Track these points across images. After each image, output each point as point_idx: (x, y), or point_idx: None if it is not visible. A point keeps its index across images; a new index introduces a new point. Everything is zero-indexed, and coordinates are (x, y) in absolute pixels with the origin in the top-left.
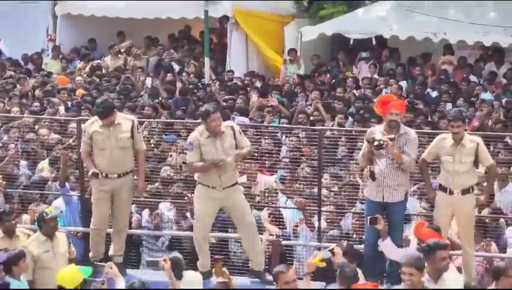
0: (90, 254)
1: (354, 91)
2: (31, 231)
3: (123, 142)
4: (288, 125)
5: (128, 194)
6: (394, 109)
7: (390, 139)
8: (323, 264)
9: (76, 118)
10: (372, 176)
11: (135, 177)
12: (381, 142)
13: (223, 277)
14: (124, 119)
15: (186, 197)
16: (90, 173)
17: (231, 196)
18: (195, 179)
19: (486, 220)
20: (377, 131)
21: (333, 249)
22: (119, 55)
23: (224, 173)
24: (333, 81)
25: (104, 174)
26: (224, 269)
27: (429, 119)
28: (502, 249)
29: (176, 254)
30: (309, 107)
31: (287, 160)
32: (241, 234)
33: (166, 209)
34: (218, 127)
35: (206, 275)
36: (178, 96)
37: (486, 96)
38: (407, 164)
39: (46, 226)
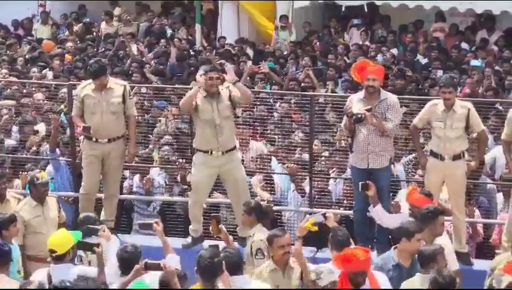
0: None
1: (345, 58)
2: (21, 196)
3: (114, 106)
4: (280, 91)
5: (118, 159)
6: (371, 75)
7: (368, 110)
8: (315, 228)
9: (66, 83)
10: (351, 148)
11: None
12: (359, 115)
13: (221, 235)
14: (116, 84)
15: (177, 163)
16: (81, 127)
17: (228, 163)
18: (193, 146)
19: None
20: (356, 99)
21: (325, 213)
22: (113, 23)
23: (221, 134)
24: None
25: (94, 139)
26: (222, 226)
27: (419, 86)
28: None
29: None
30: (300, 73)
31: (278, 126)
32: (233, 201)
33: (156, 174)
34: (214, 86)
35: (198, 240)
36: (174, 62)
37: (476, 63)
38: (390, 131)
39: (37, 191)
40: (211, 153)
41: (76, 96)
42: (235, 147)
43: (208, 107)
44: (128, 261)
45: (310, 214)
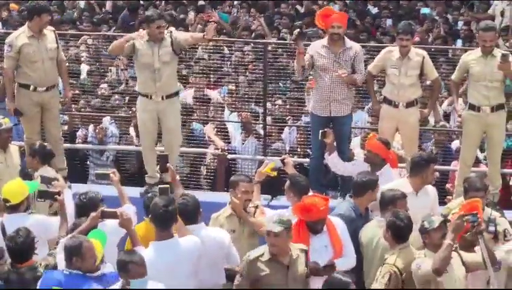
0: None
1: (298, 7)
2: None
3: (52, 52)
4: (233, 39)
5: (57, 106)
6: (336, 22)
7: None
8: (274, 174)
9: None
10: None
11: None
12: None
13: (169, 173)
14: (47, 30)
15: (130, 111)
16: (11, 108)
17: (167, 108)
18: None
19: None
20: (319, 45)
21: (284, 158)
22: None
23: (159, 79)
24: None
25: (32, 88)
26: (169, 165)
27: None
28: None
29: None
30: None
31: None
32: (165, 148)
33: (108, 123)
34: (161, 34)
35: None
36: (126, 12)
37: (427, 11)
38: (359, 80)
39: (0, 137)
40: (150, 97)
41: (9, 48)
42: (176, 94)
43: (148, 51)
44: (85, 207)
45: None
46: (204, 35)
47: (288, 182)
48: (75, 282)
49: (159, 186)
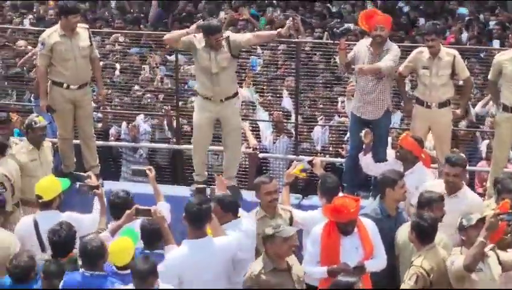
0: (62, 166)
1: (329, 5)
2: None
3: (85, 50)
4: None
5: (91, 104)
6: (379, 24)
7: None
8: (303, 175)
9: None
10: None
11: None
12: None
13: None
14: (81, 28)
15: (163, 110)
16: (44, 105)
17: (225, 109)
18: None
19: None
20: (363, 44)
21: (312, 160)
22: None
23: (217, 84)
24: None
25: (65, 85)
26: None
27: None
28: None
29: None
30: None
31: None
32: (224, 147)
33: (142, 121)
34: (219, 43)
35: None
36: (159, 10)
37: (463, 10)
38: (385, 69)
39: (34, 134)
40: (210, 99)
41: (42, 46)
42: (235, 95)
43: (205, 55)
44: (119, 206)
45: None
46: (280, 31)
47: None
48: (95, 282)
49: (196, 186)
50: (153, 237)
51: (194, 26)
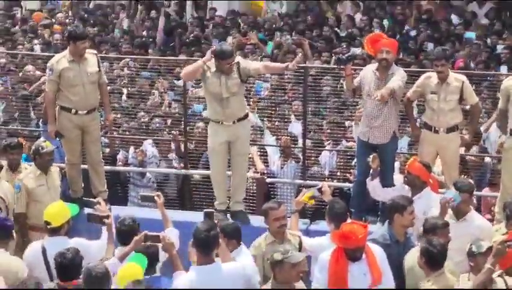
0: (70, 191)
1: (337, 29)
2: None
3: (93, 76)
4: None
5: (98, 129)
6: (385, 47)
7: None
8: (312, 202)
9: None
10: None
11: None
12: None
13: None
14: (89, 54)
15: (171, 135)
16: (52, 131)
17: (237, 132)
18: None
19: (472, 158)
20: (370, 69)
21: (321, 187)
22: None
23: (227, 107)
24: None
25: (73, 111)
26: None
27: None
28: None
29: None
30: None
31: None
32: (232, 172)
33: (150, 145)
34: (231, 68)
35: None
36: (163, 35)
37: (471, 35)
38: (397, 89)
39: (42, 159)
40: (222, 123)
41: (50, 71)
42: (246, 116)
43: (215, 80)
44: (126, 233)
45: (305, 187)
46: (287, 65)
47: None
48: None
49: (205, 210)
50: (149, 262)
51: (208, 54)
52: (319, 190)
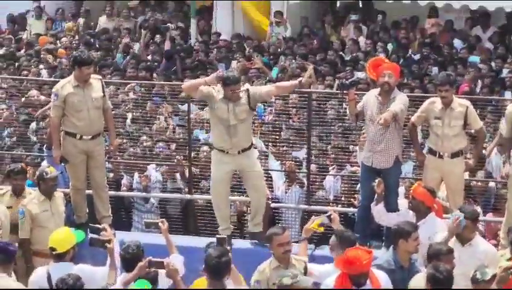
0: (74, 216)
1: (341, 53)
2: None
3: (98, 101)
4: None
5: (103, 154)
6: (386, 70)
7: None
8: (321, 229)
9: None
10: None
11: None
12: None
13: None
14: (94, 79)
15: (176, 160)
16: (57, 156)
17: (245, 161)
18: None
19: (478, 183)
20: (372, 94)
21: (331, 215)
22: (113, 17)
23: (234, 135)
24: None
25: (78, 136)
26: None
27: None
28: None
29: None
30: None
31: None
32: (250, 196)
33: (154, 170)
34: (236, 95)
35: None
36: (165, 62)
37: (474, 59)
38: (399, 112)
39: (46, 185)
40: (227, 152)
41: (55, 97)
42: (251, 146)
43: (223, 106)
44: (130, 260)
45: (309, 212)
46: (300, 80)
47: (334, 238)
48: None
49: (217, 236)
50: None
51: (212, 76)
52: (329, 217)
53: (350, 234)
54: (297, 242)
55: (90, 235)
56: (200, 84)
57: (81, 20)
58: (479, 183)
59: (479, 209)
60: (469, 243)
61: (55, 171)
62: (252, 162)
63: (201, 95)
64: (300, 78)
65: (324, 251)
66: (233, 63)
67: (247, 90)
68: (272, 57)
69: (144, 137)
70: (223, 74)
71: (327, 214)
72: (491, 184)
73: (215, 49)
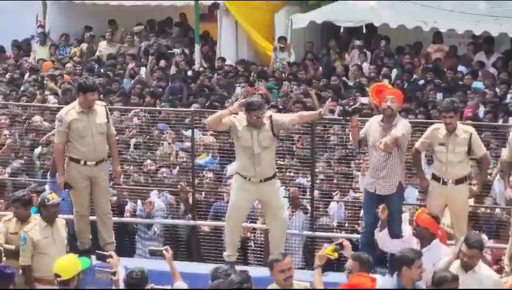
0: (78, 243)
1: (344, 78)
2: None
3: (102, 127)
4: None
5: (107, 180)
6: (389, 96)
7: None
8: (336, 255)
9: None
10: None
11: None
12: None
13: None
14: (98, 105)
15: (179, 186)
16: (61, 182)
17: (267, 190)
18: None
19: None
20: (374, 121)
21: (342, 242)
22: (114, 43)
23: (258, 164)
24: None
25: (82, 162)
26: None
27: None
28: None
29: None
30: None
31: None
32: (269, 227)
33: (156, 197)
34: (260, 120)
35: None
36: (170, 84)
37: (479, 84)
38: (401, 136)
39: (47, 212)
40: (249, 179)
41: (59, 123)
42: (274, 175)
43: (247, 134)
44: (134, 286)
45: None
46: (320, 112)
47: (351, 262)
48: None
49: (227, 260)
50: None
51: (235, 105)
52: (340, 244)
53: (368, 256)
54: (303, 269)
55: (96, 268)
56: (224, 116)
57: (84, 46)
58: (487, 210)
59: (484, 236)
60: (473, 270)
61: (57, 197)
62: (273, 192)
63: (224, 127)
64: (320, 110)
65: (328, 277)
66: (238, 89)
67: (270, 116)
68: (276, 82)
69: (149, 161)
70: (246, 101)
71: (338, 241)
72: (497, 211)
73: (221, 75)
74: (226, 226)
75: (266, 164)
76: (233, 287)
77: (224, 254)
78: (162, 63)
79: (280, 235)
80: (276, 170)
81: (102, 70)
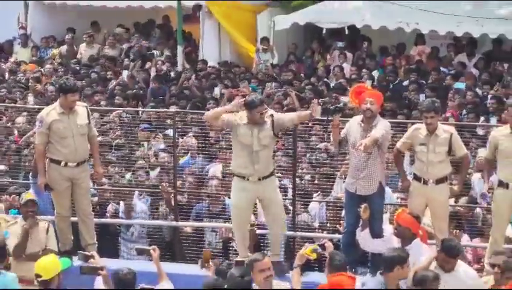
0: (59, 244)
1: (326, 79)
2: (13, 219)
3: (83, 129)
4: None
5: (87, 181)
6: (369, 97)
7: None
8: (315, 256)
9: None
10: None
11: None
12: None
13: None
14: (79, 106)
15: (160, 187)
16: (41, 183)
17: (266, 188)
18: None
19: (461, 209)
20: (354, 122)
21: (324, 243)
22: (93, 45)
23: (257, 162)
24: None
25: (63, 163)
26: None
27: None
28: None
29: None
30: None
31: None
32: (268, 226)
33: (138, 200)
34: (261, 117)
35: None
36: (152, 85)
37: (460, 85)
38: (380, 137)
39: (21, 211)
40: (248, 179)
41: (40, 124)
42: (272, 173)
43: (247, 132)
44: (123, 285)
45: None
46: (311, 113)
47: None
48: None
49: (235, 259)
50: None
51: (235, 103)
52: (322, 246)
53: (339, 257)
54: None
55: (81, 263)
56: (222, 113)
57: (63, 48)
58: (463, 209)
59: (465, 236)
60: (454, 269)
61: (31, 196)
62: (272, 190)
63: (223, 123)
64: (310, 111)
65: (309, 277)
66: (216, 89)
67: (272, 115)
68: (258, 83)
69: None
70: (246, 100)
71: (321, 242)
72: (477, 210)
73: (202, 77)
74: (235, 230)
75: (264, 162)
76: (235, 279)
77: (237, 258)
78: (146, 65)
79: (278, 235)
80: (275, 168)
81: (81, 72)
